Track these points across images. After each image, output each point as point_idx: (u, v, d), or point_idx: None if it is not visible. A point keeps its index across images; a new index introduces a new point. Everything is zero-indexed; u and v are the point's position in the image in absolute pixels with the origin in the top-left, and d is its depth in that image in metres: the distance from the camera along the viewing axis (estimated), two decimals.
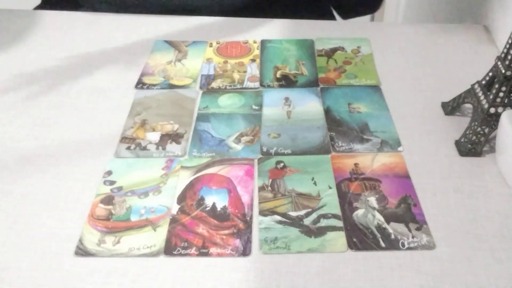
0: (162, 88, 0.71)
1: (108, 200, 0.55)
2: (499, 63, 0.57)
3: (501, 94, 0.57)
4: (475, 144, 0.59)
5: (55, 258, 0.50)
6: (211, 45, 0.80)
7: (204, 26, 0.85)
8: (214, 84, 0.72)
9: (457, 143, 0.61)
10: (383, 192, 0.55)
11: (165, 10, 0.88)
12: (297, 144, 0.62)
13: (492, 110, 0.58)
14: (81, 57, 0.77)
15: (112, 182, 0.57)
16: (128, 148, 0.62)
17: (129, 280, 0.48)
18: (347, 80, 0.72)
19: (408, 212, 0.53)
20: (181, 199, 0.55)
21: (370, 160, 0.59)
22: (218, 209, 0.54)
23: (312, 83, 0.72)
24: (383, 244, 0.50)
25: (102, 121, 0.66)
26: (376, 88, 0.71)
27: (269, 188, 0.56)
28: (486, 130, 0.59)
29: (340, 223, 0.52)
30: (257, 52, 0.78)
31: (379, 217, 0.53)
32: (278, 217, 0.53)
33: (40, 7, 0.97)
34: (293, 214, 0.53)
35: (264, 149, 0.61)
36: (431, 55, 0.77)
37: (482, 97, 0.59)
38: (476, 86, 0.61)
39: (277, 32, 0.83)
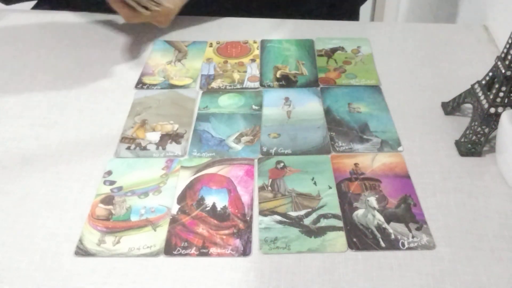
0: (162, 88, 0.71)
1: (108, 200, 0.55)
2: (499, 63, 0.57)
3: (501, 94, 0.57)
4: (475, 144, 0.59)
5: (55, 258, 0.50)
6: (211, 45, 0.80)
7: (204, 26, 0.85)
8: (214, 84, 0.72)
9: (457, 143, 0.61)
10: (383, 192, 0.55)
11: None
12: (297, 144, 0.62)
13: (492, 110, 0.58)
14: (81, 57, 0.77)
15: (112, 182, 0.57)
16: (128, 148, 0.61)
17: (129, 280, 0.48)
18: (347, 80, 0.72)
19: (408, 212, 0.53)
20: (181, 199, 0.55)
21: (370, 160, 0.59)
22: (218, 209, 0.54)
23: (312, 83, 0.72)
24: (383, 244, 0.50)
25: (102, 121, 0.66)
26: (376, 88, 0.70)
27: (269, 188, 0.56)
28: (486, 130, 0.59)
29: (340, 223, 0.52)
30: (257, 52, 0.78)
31: (379, 217, 0.53)
32: (278, 217, 0.53)
33: (37, 6, 0.96)
34: (293, 214, 0.53)
35: (264, 149, 0.61)
36: (431, 55, 0.77)
37: (482, 97, 0.59)
38: (476, 86, 0.61)
39: (277, 32, 0.83)
